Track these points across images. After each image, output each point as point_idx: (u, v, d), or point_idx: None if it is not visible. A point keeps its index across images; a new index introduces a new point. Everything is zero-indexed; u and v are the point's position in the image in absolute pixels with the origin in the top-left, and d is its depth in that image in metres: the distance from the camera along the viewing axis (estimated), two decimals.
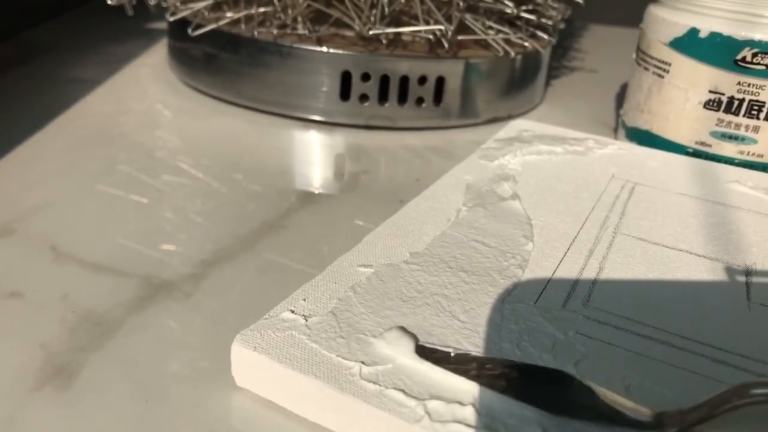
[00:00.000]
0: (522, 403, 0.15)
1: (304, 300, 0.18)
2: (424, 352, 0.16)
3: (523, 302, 0.19)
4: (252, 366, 0.16)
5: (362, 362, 0.16)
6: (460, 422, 0.14)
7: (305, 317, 0.17)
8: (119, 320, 0.19)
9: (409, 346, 0.16)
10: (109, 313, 0.19)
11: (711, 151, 0.31)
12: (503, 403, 0.15)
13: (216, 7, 0.36)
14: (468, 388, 0.15)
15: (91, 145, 0.31)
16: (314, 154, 0.34)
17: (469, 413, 0.14)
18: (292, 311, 0.17)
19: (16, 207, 0.25)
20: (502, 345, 0.17)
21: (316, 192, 0.29)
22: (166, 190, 0.27)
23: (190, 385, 0.17)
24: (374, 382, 0.15)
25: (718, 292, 0.20)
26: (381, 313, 0.18)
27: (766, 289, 0.20)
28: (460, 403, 0.15)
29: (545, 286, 0.20)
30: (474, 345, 0.17)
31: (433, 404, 0.15)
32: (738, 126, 0.30)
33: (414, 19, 0.35)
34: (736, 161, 0.31)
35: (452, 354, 0.16)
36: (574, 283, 0.20)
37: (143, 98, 0.38)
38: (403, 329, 0.17)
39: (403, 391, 0.15)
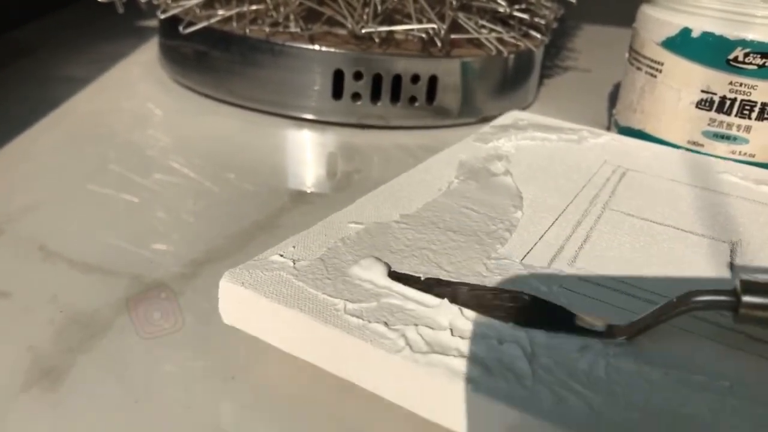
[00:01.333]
0: (491, 320, 0.16)
1: (294, 247, 0.18)
2: (396, 276, 0.17)
3: (508, 259, 0.19)
4: (239, 302, 0.17)
5: (347, 300, 0.16)
6: (438, 353, 0.15)
7: (294, 261, 0.18)
8: (109, 320, 0.19)
9: (382, 270, 0.17)
10: (99, 314, 0.19)
11: (703, 150, 0.31)
12: (478, 327, 0.15)
13: (207, 5, 0.36)
14: (439, 304, 0.16)
15: (81, 144, 0.31)
16: (306, 153, 0.34)
17: (446, 339, 0.15)
18: (281, 255, 0.18)
19: (5, 207, 0.24)
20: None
21: (309, 191, 0.29)
22: (157, 189, 0.27)
23: (181, 386, 0.17)
24: (358, 317, 0.16)
25: (703, 259, 0.20)
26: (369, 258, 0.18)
27: (750, 263, 0.20)
28: (436, 329, 0.15)
29: (532, 247, 0.20)
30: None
31: (414, 335, 0.15)
32: (730, 126, 0.30)
33: (407, 18, 0.35)
34: (728, 160, 0.31)
35: (422, 278, 0.17)
36: (561, 247, 0.20)
37: (134, 97, 0.38)
38: (377, 258, 0.18)
39: (385, 323, 0.15)
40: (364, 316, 0.16)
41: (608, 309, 0.17)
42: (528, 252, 0.20)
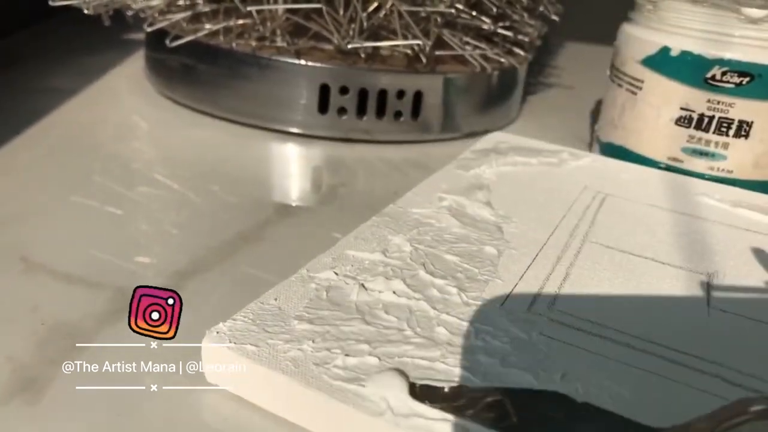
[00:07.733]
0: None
1: (276, 299, 0.18)
2: (417, 392, 0.15)
3: (489, 304, 0.19)
4: (222, 362, 0.17)
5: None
6: (420, 416, 0.14)
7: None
8: (91, 332, 0.19)
9: (402, 387, 0.15)
10: (81, 325, 0.19)
11: (683, 166, 0.32)
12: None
13: (194, 19, 0.36)
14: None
15: (66, 155, 0.31)
16: (292, 166, 0.34)
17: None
18: None
19: None
20: (464, 342, 0.17)
21: (294, 204, 0.29)
22: (142, 201, 0.27)
23: (163, 399, 0.17)
24: (339, 378, 0.16)
25: (680, 297, 0.21)
26: (350, 312, 0.18)
27: (726, 295, 0.21)
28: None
29: (512, 289, 0.20)
30: (437, 341, 0.17)
31: (396, 399, 0.15)
32: (708, 142, 0.31)
33: (392, 34, 0.35)
34: (707, 177, 0.31)
35: (446, 389, 0.15)
36: (541, 287, 0.20)
37: (119, 109, 0.38)
38: (397, 370, 0.16)
39: (366, 385, 0.15)
40: (345, 376, 0.16)
41: (586, 355, 0.17)
42: (508, 296, 0.20)
